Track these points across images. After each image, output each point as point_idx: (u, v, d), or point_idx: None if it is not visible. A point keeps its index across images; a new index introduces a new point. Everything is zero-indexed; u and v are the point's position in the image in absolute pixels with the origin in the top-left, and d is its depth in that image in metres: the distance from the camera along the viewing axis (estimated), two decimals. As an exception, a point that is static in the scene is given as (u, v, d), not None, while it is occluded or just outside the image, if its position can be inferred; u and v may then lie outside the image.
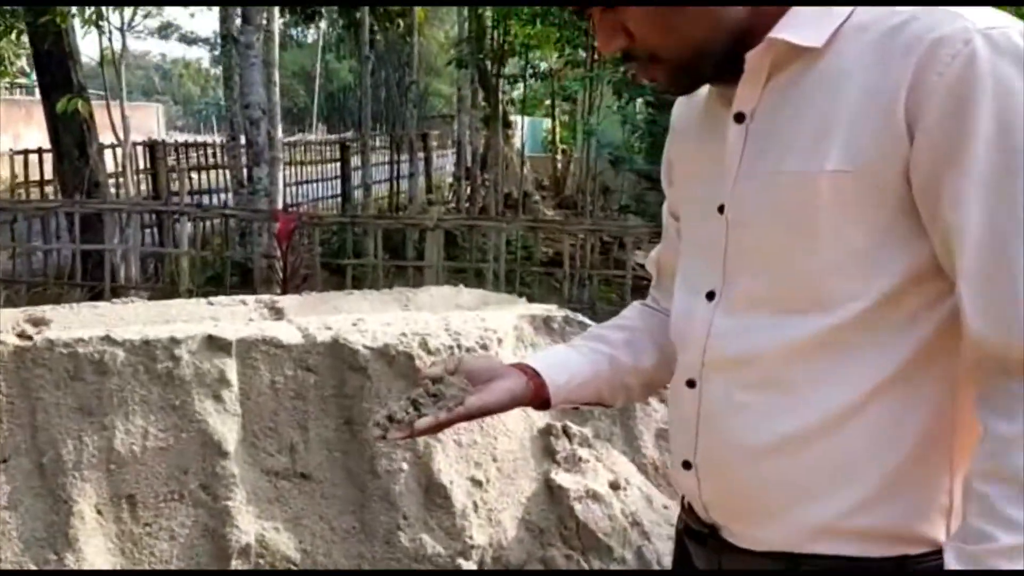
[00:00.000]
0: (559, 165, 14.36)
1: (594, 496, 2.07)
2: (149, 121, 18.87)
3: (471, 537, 1.99)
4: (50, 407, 1.84)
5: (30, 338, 1.86)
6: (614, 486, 2.11)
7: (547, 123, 17.20)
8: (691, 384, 0.92)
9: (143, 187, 6.96)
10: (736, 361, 0.87)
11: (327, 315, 2.21)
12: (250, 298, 2.30)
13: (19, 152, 6.53)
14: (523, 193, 10.87)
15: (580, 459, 2.14)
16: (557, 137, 14.76)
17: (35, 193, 6.28)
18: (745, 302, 0.87)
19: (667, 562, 2.04)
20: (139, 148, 7.23)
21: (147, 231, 5.47)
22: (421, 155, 11.19)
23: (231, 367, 1.95)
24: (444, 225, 4.54)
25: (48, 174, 6.33)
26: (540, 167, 14.76)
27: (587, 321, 2.38)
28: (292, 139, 11.15)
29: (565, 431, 2.20)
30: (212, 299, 2.25)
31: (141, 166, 7.33)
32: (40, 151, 6.47)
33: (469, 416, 0.97)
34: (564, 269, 4.65)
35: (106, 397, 1.87)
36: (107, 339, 1.89)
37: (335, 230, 5.52)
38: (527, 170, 12.33)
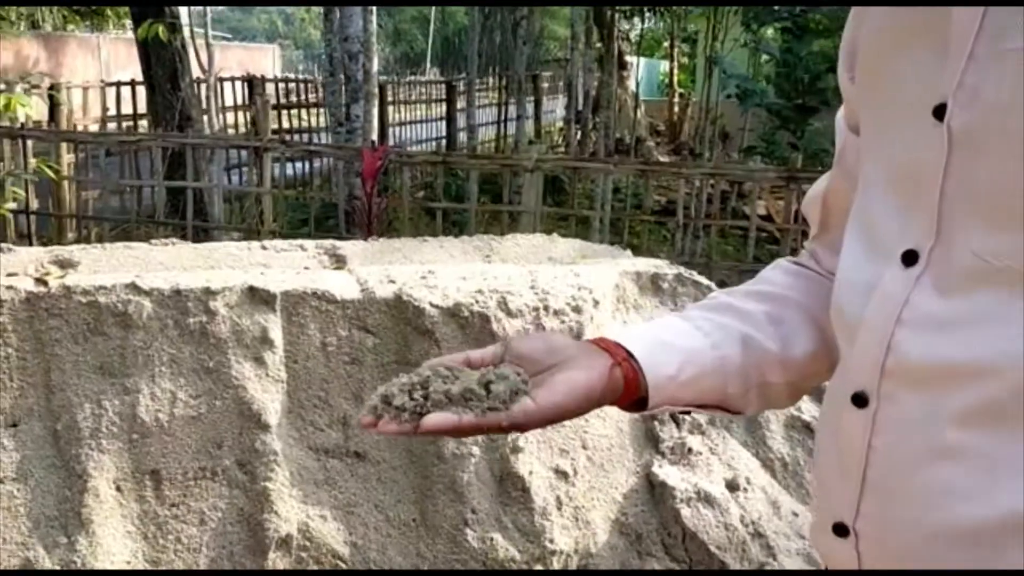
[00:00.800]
0: (676, 109, 13.64)
1: (706, 498, 1.68)
2: (265, 62, 19.03)
3: (552, 540, 1.64)
4: (66, 365, 1.58)
5: (46, 283, 1.59)
6: (732, 486, 1.72)
7: (664, 65, 16.42)
8: (860, 401, 0.59)
9: (240, 123, 6.81)
10: (948, 372, 0.54)
11: (394, 265, 1.88)
12: (310, 243, 1.99)
13: (111, 84, 6.45)
14: (636, 138, 10.29)
15: (690, 450, 1.75)
16: (675, 79, 14.00)
17: (127, 128, 6.20)
18: (970, 273, 0.53)
19: (795, 584, 1.64)
20: (237, 84, 7.08)
21: (241, 170, 5.30)
22: (530, 98, 10.74)
23: (275, 324, 1.64)
24: (544, 167, 4.15)
25: (142, 108, 6.21)
26: (655, 111, 14.06)
27: (703, 281, 1.97)
28: (397, 79, 10.90)
29: (673, 415, 1.81)
30: (267, 243, 1.95)
31: (239, 102, 7.18)
32: (133, 83, 6.35)
33: (513, 427, 0.63)
34: (677, 218, 4.20)
35: (129, 355, 1.59)
36: (132, 287, 1.60)
37: (432, 173, 5.21)
38: (641, 114, 11.72)
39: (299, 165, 5.88)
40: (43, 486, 1.56)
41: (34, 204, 4.53)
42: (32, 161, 4.17)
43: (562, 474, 1.69)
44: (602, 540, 1.68)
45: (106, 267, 1.78)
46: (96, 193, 4.75)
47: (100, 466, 1.57)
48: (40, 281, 1.60)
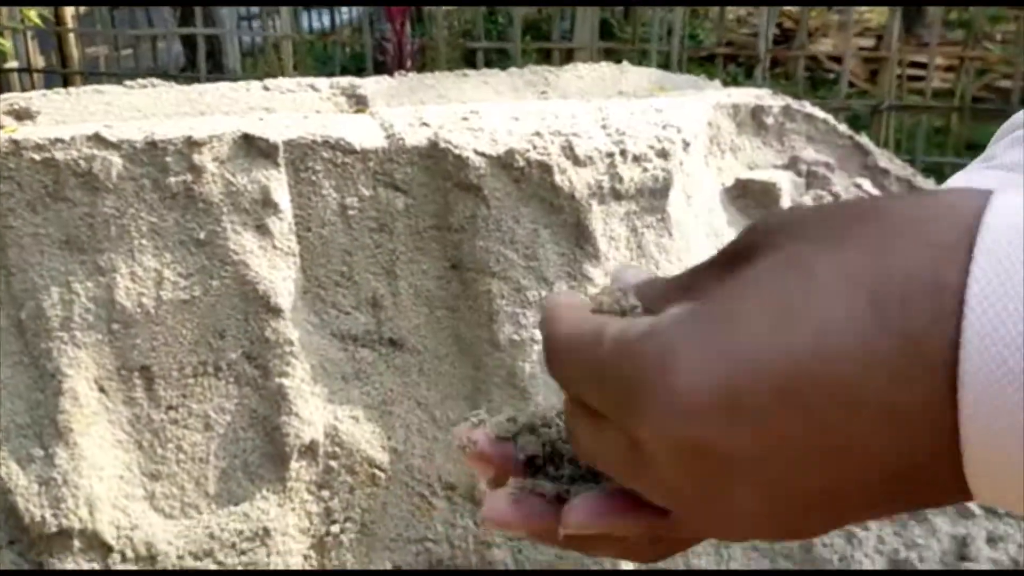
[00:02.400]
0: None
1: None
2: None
3: (638, 443, 1.32)
4: (25, 240, 1.26)
5: (-12, 137, 1.25)
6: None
7: None
8: None
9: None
10: None
11: (428, 106, 1.50)
12: (324, 81, 1.61)
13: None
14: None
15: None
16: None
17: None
18: None
19: None
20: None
21: (252, 22, 4.86)
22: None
23: (279, 183, 1.29)
24: None
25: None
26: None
27: (818, 114, 1.57)
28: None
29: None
30: (269, 82, 1.57)
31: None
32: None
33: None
34: (758, 50, 3.69)
35: (100, 226, 1.26)
36: (97, 139, 1.26)
37: (471, 21, 4.71)
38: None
39: (325, 18, 5.40)
40: (9, 388, 1.27)
41: (39, 62, 4.16)
42: (32, 13, 3.78)
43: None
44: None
45: (72, 117, 1.43)
46: (105, 49, 4.36)
47: (76, 363, 1.27)
48: (-17, 135, 1.26)
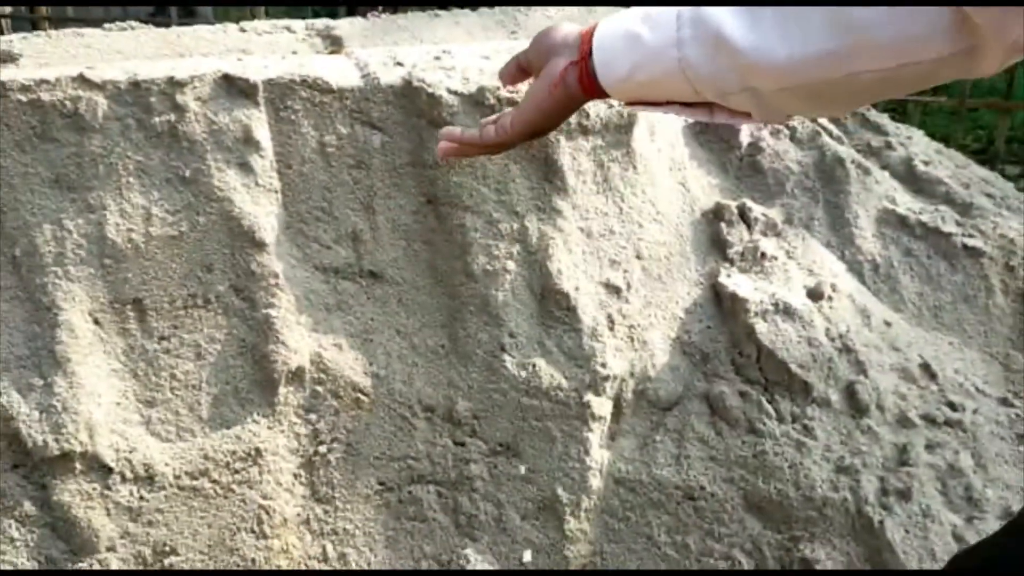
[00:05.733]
0: None
1: (785, 309, 1.43)
2: None
3: (604, 365, 1.41)
4: (15, 179, 1.31)
5: (-25, 80, 1.29)
6: (814, 295, 1.46)
7: None
8: None
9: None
10: None
11: (401, 46, 1.55)
12: (299, 23, 1.65)
13: None
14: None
15: (763, 255, 1.49)
16: None
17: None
18: None
19: (889, 402, 1.42)
20: None
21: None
22: None
23: (259, 122, 1.35)
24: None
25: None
26: None
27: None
28: None
29: (742, 213, 1.54)
30: (245, 24, 1.61)
31: None
32: None
33: (498, 144, 0.90)
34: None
35: (88, 164, 1.31)
36: (81, 80, 1.30)
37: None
38: None
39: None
40: (7, 321, 1.33)
41: (6, 9, 4.11)
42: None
43: (613, 289, 1.43)
44: (662, 362, 1.45)
45: (54, 59, 1.46)
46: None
47: (71, 296, 1.33)
48: (-31, 77, 1.30)
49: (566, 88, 0.75)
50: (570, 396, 1.41)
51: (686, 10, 0.68)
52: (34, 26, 3.95)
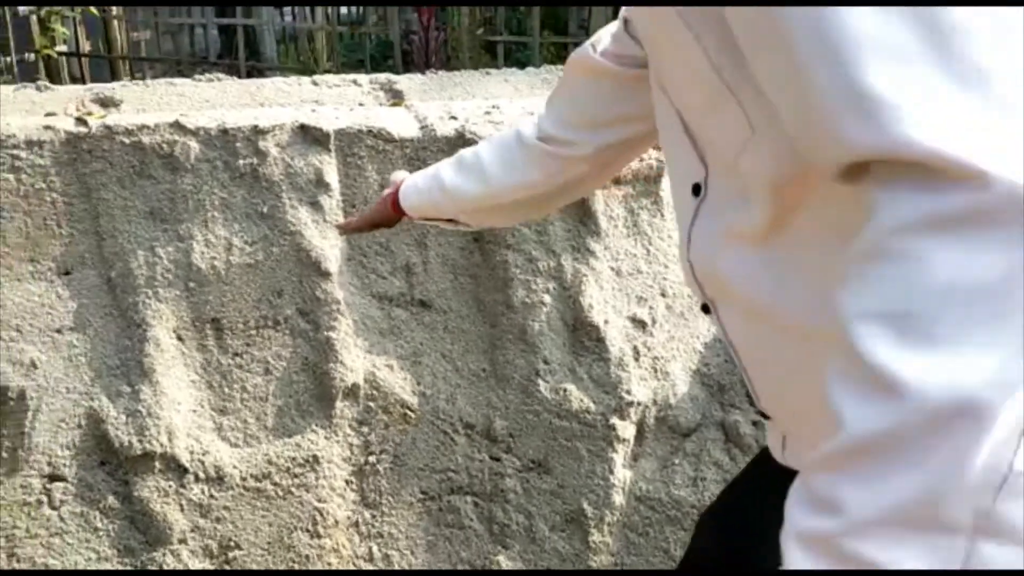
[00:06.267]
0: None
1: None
2: None
3: (629, 392, 1.55)
4: (115, 210, 1.50)
5: (86, 123, 1.49)
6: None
7: None
8: (706, 309, 0.82)
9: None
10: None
11: (456, 100, 1.73)
12: (364, 77, 1.84)
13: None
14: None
15: (778, 298, 1.63)
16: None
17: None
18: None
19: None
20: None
21: (295, 10, 5.06)
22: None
23: (330, 166, 1.53)
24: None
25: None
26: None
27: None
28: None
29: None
30: (318, 78, 1.80)
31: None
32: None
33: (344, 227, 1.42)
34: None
35: (179, 199, 1.50)
36: (177, 127, 1.49)
37: (491, 10, 4.89)
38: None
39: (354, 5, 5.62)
40: (102, 335, 1.52)
41: (86, 47, 4.41)
42: None
43: (639, 323, 1.58)
44: (682, 391, 1.59)
45: (150, 105, 1.66)
46: (148, 34, 4.60)
47: (158, 315, 1.51)
48: (80, 121, 1.50)
49: (386, 212, 1.26)
50: (597, 419, 1.55)
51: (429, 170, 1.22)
52: (111, 65, 4.23)
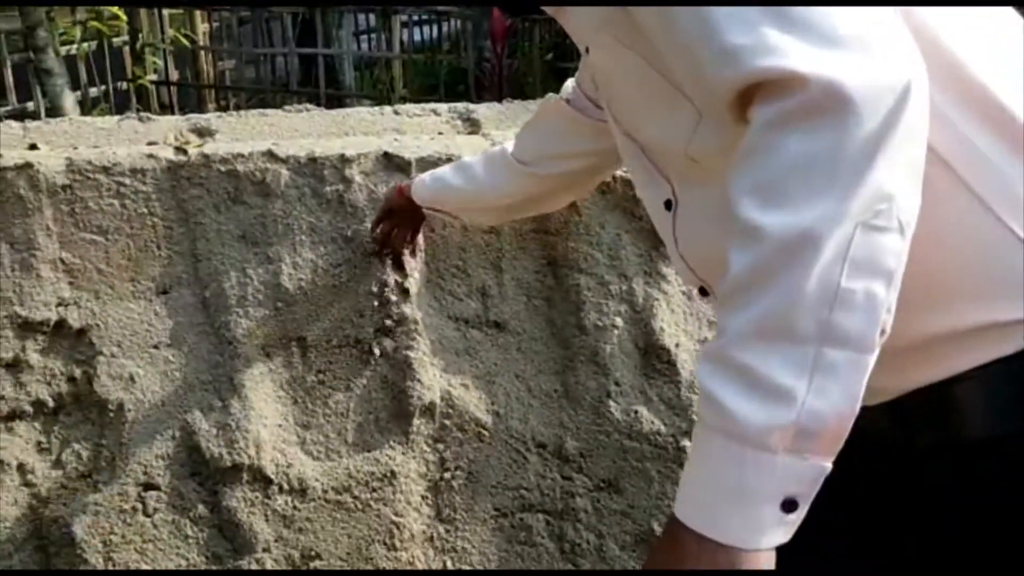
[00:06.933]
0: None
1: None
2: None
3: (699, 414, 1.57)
4: (211, 234, 1.59)
5: (186, 152, 1.59)
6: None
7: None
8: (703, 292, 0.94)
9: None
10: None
11: (531, 128, 1.78)
12: (443, 107, 1.91)
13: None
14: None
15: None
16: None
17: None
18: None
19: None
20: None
21: (370, 36, 5.23)
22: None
23: (410, 192, 1.59)
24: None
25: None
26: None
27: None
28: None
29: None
30: (399, 107, 1.88)
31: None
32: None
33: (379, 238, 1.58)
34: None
35: (270, 224, 1.58)
36: (269, 155, 1.58)
37: (563, 31, 4.97)
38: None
39: (427, 30, 5.77)
40: (196, 352, 1.60)
41: (174, 75, 4.62)
42: (169, 31, 4.22)
43: (710, 347, 1.61)
44: (752, 415, 1.61)
45: (243, 135, 1.76)
46: (232, 63, 4.80)
47: (249, 333, 1.59)
48: (180, 150, 1.60)
49: (394, 190, 1.51)
50: (668, 441, 1.58)
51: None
52: (197, 93, 4.43)
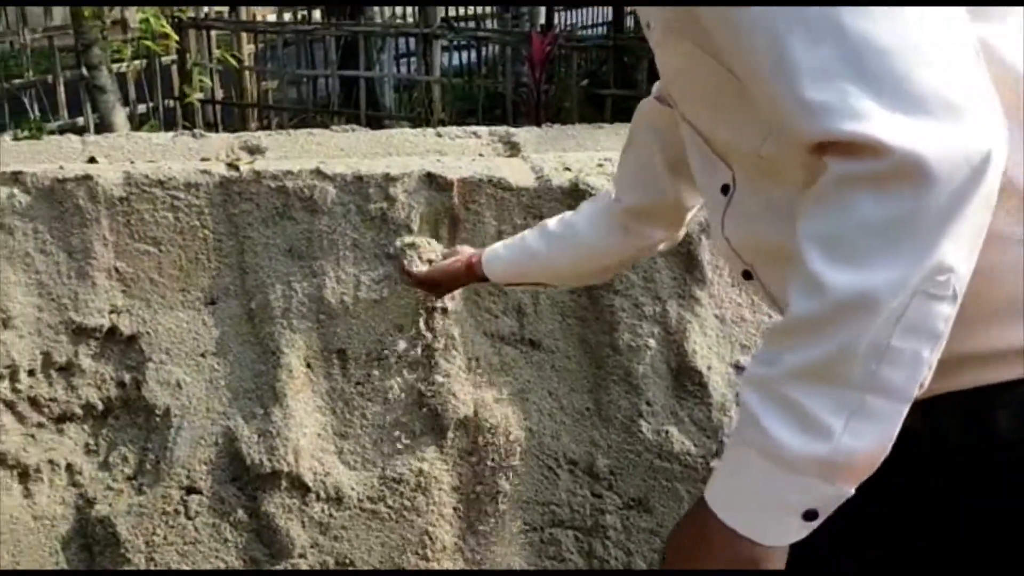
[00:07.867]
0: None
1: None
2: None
3: (729, 436, 1.60)
4: (258, 247, 1.65)
5: (237, 168, 1.65)
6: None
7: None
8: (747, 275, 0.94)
9: (408, 14, 6.81)
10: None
11: (569, 152, 1.83)
12: (483, 129, 1.97)
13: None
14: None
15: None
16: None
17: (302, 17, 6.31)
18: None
19: None
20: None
21: (410, 60, 5.33)
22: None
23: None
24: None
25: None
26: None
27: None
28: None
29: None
30: (441, 129, 1.94)
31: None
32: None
33: (412, 279, 1.56)
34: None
35: (316, 239, 1.64)
36: (317, 173, 1.64)
37: (601, 57, 5.05)
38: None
39: (466, 55, 5.86)
40: (240, 361, 1.66)
41: (219, 94, 4.74)
42: (216, 51, 4.34)
43: (742, 370, 1.63)
44: (782, 439, 1.63)
45: (292, 153, 1.82)
46: (275, 83, 4.91)
47: (292, 344, 1.64)
48: (231, 166, 1.66)
49: (459, 270, 1.45)
50: (698, 461, 1.61)
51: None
52: (241, 111, 4.55)
